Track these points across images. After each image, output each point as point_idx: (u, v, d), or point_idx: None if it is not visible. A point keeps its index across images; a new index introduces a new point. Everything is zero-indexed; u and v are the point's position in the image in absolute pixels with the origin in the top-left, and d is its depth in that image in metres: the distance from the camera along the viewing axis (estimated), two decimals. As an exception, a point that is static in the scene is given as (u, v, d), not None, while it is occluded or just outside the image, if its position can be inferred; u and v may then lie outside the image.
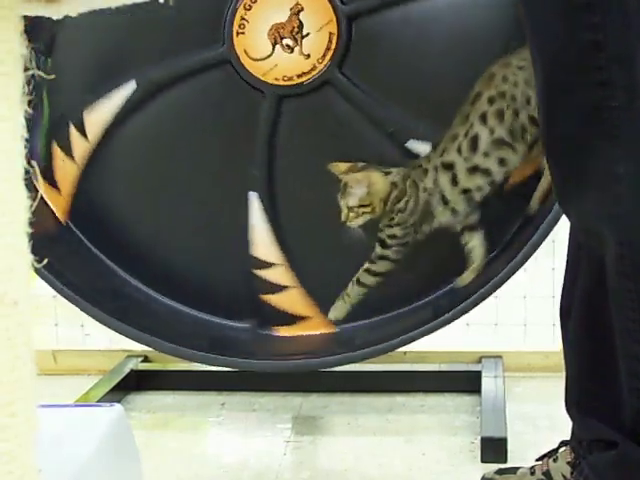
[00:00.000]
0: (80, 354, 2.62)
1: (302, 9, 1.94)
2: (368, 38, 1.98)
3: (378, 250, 1.96)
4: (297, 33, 1.95)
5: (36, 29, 0.82)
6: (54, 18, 0.79)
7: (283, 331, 2.09)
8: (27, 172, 0.75)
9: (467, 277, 1.98)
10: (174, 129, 2.07)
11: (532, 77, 1.73)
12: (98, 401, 2.24)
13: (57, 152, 2.07)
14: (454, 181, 1.90)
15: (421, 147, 1.96)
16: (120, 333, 2.05)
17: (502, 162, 1.88)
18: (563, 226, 1.75)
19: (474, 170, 1.88)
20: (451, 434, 2.16)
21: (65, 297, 2.02)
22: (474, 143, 1.87)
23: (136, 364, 2.52)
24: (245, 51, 1.97)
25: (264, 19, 1.96)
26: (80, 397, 2.29)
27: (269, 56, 1.97)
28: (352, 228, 1.94)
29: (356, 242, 1.94)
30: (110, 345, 2.54)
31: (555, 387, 1.85)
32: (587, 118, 1.45)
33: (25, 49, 0.73)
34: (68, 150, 2.07)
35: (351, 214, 1.92)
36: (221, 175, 2.08)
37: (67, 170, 2.08)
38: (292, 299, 2.07)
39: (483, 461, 1.99)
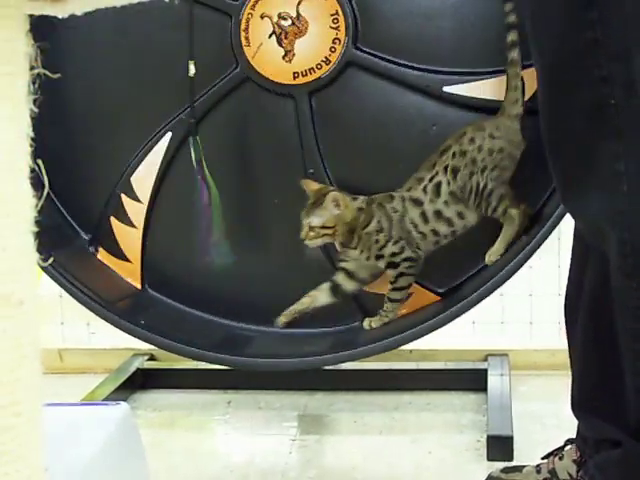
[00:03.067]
0: (86, 353, 2.63)
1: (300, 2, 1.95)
2: (373, 7, 1.97)
3: (391, 272, 1.97)
4: (298, 27, 1.95)
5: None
6: (59, 17, 0.79)
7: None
8: (33, 171, 0.75)
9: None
10: (217, 159, 2.06)
11: (499, 149, 1.87)
12: (104, 400, 2.24)
13: (116, 224, 2.09)
14: (425, 218, 1.94)
15: (457, 89, 1.95)
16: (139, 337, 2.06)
17: (460, 215, 1.93)
18: (568, 224, 1.75)
19: (439, 215, 1.93)
20: (457, 432, 2.16)
21: (74, 297, 2.03)
22: (437, 189, 1.92)
23: (142, 363, 2.52)
24: (261, 63, 1.97)
25: (264, 28, 1.96)
26: (86, 396, 2.29)
27: (284, 56, 1.97)
28: (310, 247, 1.95)
29: (313, 261, 1.96)
30: (116, 344, 2.54)
31: (561, 385, 1.85)
32: (588, 116, 1.44)
33: (30, 48, 0.73)
34: (126, 219, 2.11)
35: (311, 233, 1.93)
36: (278, 186, 2.07)
37: (131, 238, 2.12)
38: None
39: (489, 459, 1.99)
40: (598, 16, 1.38)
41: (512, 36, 1.87)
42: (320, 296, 2.01)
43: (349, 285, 2.01)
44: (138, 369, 2.48)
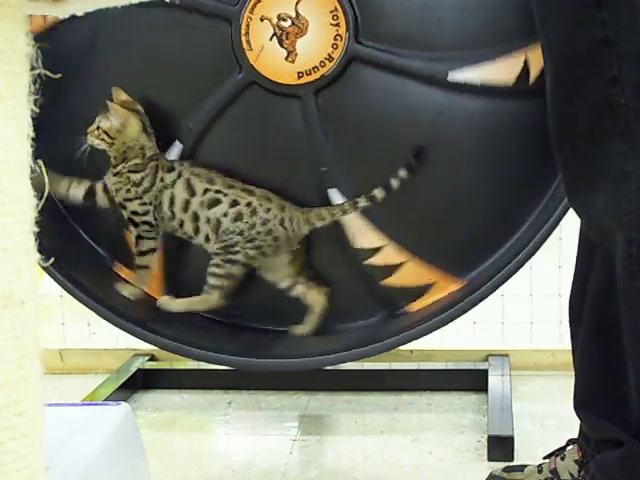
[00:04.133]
0: (87, 353, 2.63)
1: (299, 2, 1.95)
2: (356, 81, 1.98)
3: (133, 230, 2.01)
4: (299, 26, 1.95)
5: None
6: (60, 17, 0.79)
7: (416, 305, 2.06)
8: (34, 171, 0.75)
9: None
10: (226, 167, 2.06)
11: (275, 236, 1.95)
12: (105, 400, 2.24)
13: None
14: (185, 207, 1.98)
15: (462, 75, 1.95)
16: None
17: (206, 238, 1.98)
18: (569, 224, 1.75)
19: (194, 217, 1.98)
20: (458, 432, 2.16)
21: (74, 296, 2.03)
22: (214, 204, 1.97)
23: (143, 363, 2.52)
24: (265, 65, 1.97)
25: (265, 30, 1.96)
26: (87, 396, 2.29)
27: (287, 57, 1.97)
28: (84, 144, 1.97)
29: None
30: (117, 344, 2.55)
31: (562, 385, 1.85)
32: (597, 115, 1.44)
33: (31, 48, 0.74)
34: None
35: (95, 131, 1.96)
36: (292, 180, 2.07)
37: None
38: (411, 272, 2.05)
39: (490, 459, 1.99)
40: (608, 15, 1.38)
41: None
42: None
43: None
44: (139, 369, 2.48)
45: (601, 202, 1.47)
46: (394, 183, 1.94)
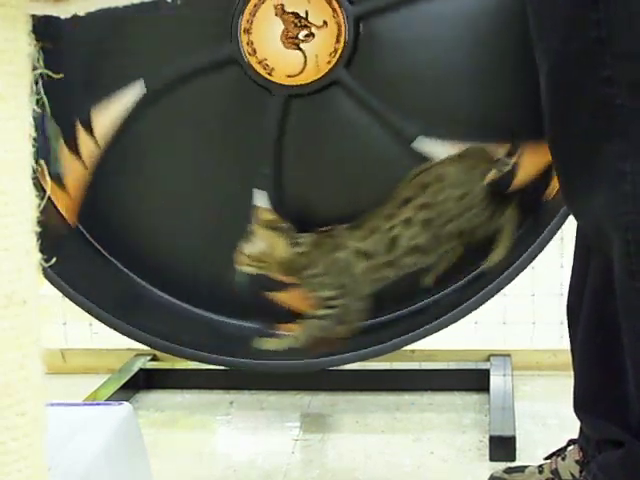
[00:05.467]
0: (89, 353, 2.63)
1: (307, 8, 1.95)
2: (375, 38, 1.97)
3: (321, 311, 1.95)
4: (303, 32, 1.95)
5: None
6: (62, 17, 0.79)
7: (285, 329, 2.09)
8: (35, 171, 0.75)
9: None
10: (182, 129, 2.06)
11: (462, 194, 1.85)
12: (107, 400, 2.24)
13: (65, 153, 2.07)
14: (372, 270, 1.90)
15: (427, 147, 1.96)
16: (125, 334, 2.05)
17: (416, 264, 1.90)
18: (571, 224, 1.75)
19: (389, 265, 1.89)
20: (460, 432, 2.16)
21: (72, 300, 2.03)
22: (393, 244, 1.87)
23: (145, 363, 2.52)
24: (253, 51, 1.97)
25: (272, 19, 1.96)
26: (89, 396, 2.29)
27: (278, 55, 1.97)
28: (240, 271, 1.93)
29: (237, 284, 1.95)
30: (119, 344, 2.54)
31: (564, 385, 1.85)
32: (593, 116, 1.44)
33: (33, 48, 0.74)
34: (76, 152, 2.07)
35: (244, 259, 1.91)
36: (229, 174, 2.08)
37: (76, 172, 2.08)
38: (295, 297, 2.07)
39: (492, 459, 1.99)
40: (604, 16, 1.38)
41: None
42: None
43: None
44: (141, 369, 2.49)
45: (598, 203, 1.47)
46: None
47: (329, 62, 1.95)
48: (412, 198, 1.87)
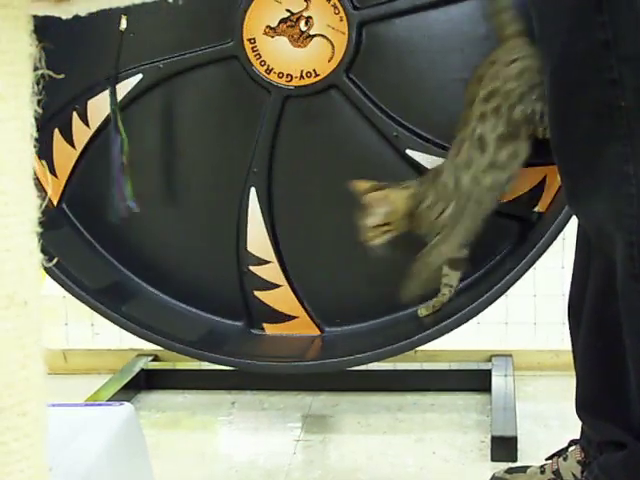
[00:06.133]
0: (90, 353, 2.63)
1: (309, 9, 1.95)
2: (377, 44, 1.98)
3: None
4: (304, 34, 1.95)
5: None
6: (63, 17, 0.79)
7: (271, 329, 2.09)
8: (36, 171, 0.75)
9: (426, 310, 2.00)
10: (176, 122, 2.06)
11: (522, 70, 1.77)
12: (108, 400, 2.24)
13: (57, 137, 2.07)
14: (476, 181, 1.86)
15: (421, 156, 1.97)
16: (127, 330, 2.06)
17: (514, 155, 1.85)
18: (573, 224, 1.75)
19: (492, 166, 1.85)
20: (461, 433, 2.15)
21: (71, 292, 2.04)
22: (482, 143, 1.84)
23: (146, 363, 2.52)
24: (254, 48, 1.97)
25: (272, 17, 1.96)
26: (90, 396, 2.29)
27: (278, 54, 1.97)
28: (375, 247, 1.90)
29: (380, 258, 1.93)
30: (120, 344, 2.55)
31: (565, 385, 1.85)
32: (597, 118, 1.44)
33: (34, 49, 0.74)
34: (69, 136, 2.08)
35: (372, 234, 1.88)
36: (220, 170, 2.08)
37: (67, 155, 2.09)
38: (282, 298, 2.07)
39: (493, 460, 1.98)
40: (609, 18, 1.38)
41: None
42: (453, 278, 1.98)
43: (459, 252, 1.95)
44: (142, 370, 2.48)
45: (601, 205, 1.47)
46: None
47: (329, 65, 1.96)
48: (476, 95, 1.85)
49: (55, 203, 2.11)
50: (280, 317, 2.09)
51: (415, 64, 1.98)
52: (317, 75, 1.97)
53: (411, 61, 1.98)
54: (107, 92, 2.03)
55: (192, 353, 2.06)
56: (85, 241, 2.14)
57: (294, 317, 2.09)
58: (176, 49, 2.03)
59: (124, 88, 2.04)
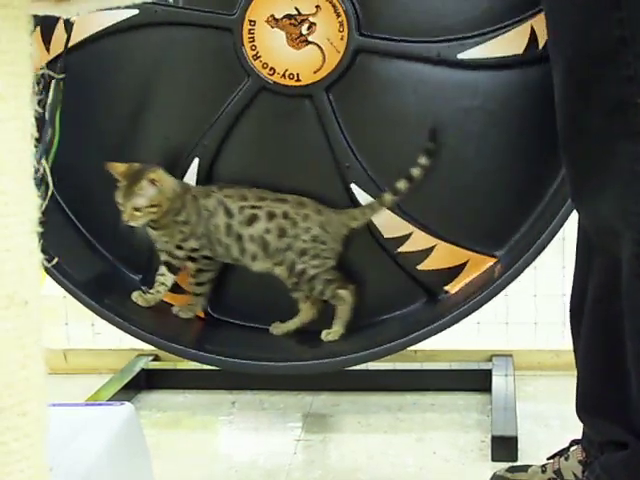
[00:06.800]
0: (91, 353, 2.63)
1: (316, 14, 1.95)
2: (365, 75, 1.97)
3: (191, 265, 2.02)
4: (302, 37, 1.95)
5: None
6: (64, 17, 0.79)
7: (455, 286, 2.06)
8: (37, 171, 0.75)
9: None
10: (152, 70, 2.05)
11: (322, 241, 1.95)
12: (109, 400, 2.24)
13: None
14: (228, 231, 1.98)
15: (361, 193, 2.01)
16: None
17: (254, 257, 1.99)
18: (573, 224, 1.75)
19: (239, 238, 1.98)
20: (462, 432, 2.15)
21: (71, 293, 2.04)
22: (251, 221, 1.97)
23: (147, 363, 2.52)
24: (251, 30, 1.96)
25: (280, 8, 1.95)
26: (91, 396, 2.29)
27: (271, 45, 1.96)
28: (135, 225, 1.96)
29: (140, 238, 1.99)
30: (120, 344, 2.54)
31: (566, 385, 1.85)
32: (609, 115, 1.43)
33: (34, 49, 0.74)
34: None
35: (137, 213, 1.94)
36: (176, 131, 2.06)
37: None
38: (443, 254, 2.05)
39: (494, 460, 1.98)
40: (627, 15, 1.37)
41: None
42: (166, 279, 2.06)
43: (176, 263, 2.04)
44: (143, 370, 2.48)
45: (609, 203, 1.46)
46: (415, 172, 1.95)
47: (314, 76, 1.96)
48: (287, 201, 1.98)
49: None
50: (455, 271, 2.06)
51: (390, 109, 1.98)
52: (299, 80, 1.97)
53: (388, 103, 1.98)
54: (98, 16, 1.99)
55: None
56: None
57: (465, 263, 2.05)
58: (208, 119, 2.03)
59: (117, 16, 2.01)
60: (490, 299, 1.94)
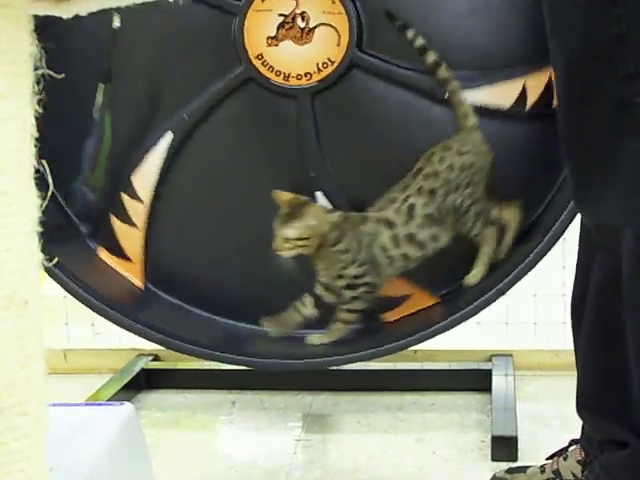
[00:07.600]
0: (91, 353, 2.63)
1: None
2: (376, 15, 1.97)
3: (349, 293, 1.94)
4: (304, 29, 1.95)
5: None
6: (64, 17, 0.79)
7: (391, 315, 2.07)
8: (37, 171, 0.75)
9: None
10: (218, 158, 2.06)
11: (469, 164, 1.86)
12: (109, 400, 2.24)
13: (116, 223, 2.08)
14: (396, 242, 1.91)
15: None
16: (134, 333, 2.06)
17: (434, 238, 1.91)
18: (574, 225, 1.75)
19: (411, 238, 1.91)
20: (462, 432, 2.15)
21: (74, 296, 2.04)
22: (411, 211, 1.89)
23: (146, 363, 2.52)
24: (264, 63, 1.97)
25: (269, 27, 1.96)
26: (91, 396, 2.29)
27: (289, 58, 1.96)
28: (284, 258, 1.92)
29: (286, 271, 1.93)
30: (120, 344, 2.55)
31: (566, 385, 1.85)
32: (610, 113, 1.43)
33: (35, 48, 0.74)
34: (127, 218, 2.09)
35: (286, 245, 1.89)
36: (279, 180, 2.03)
37: (132, 237, 2.10)
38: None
39: (493, 459, 1.98)
40: (625, 12, 1.37)
41: (431, 56, 1.91)
42: (305, 309, 1.99)
43: (329, 297, 1.97)
44: (142, 369, 2.48)
45: (611, 200, 1.46)
46: None
47: (340, 48, 1.95)
48: (422, 168, 1.91)
49: (142, 287, 2.12)
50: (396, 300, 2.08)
51: (370, 129, 2.00)
52: (333, 62, 1.96)
53: (370, 123, 1.99)
54: (146, 163, 2.04)
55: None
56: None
57: (408, 295, 2.07)
58: (193, 96, 2.02)
59: (160, 151, 2.04)
60: (431, 338, 1.96)
